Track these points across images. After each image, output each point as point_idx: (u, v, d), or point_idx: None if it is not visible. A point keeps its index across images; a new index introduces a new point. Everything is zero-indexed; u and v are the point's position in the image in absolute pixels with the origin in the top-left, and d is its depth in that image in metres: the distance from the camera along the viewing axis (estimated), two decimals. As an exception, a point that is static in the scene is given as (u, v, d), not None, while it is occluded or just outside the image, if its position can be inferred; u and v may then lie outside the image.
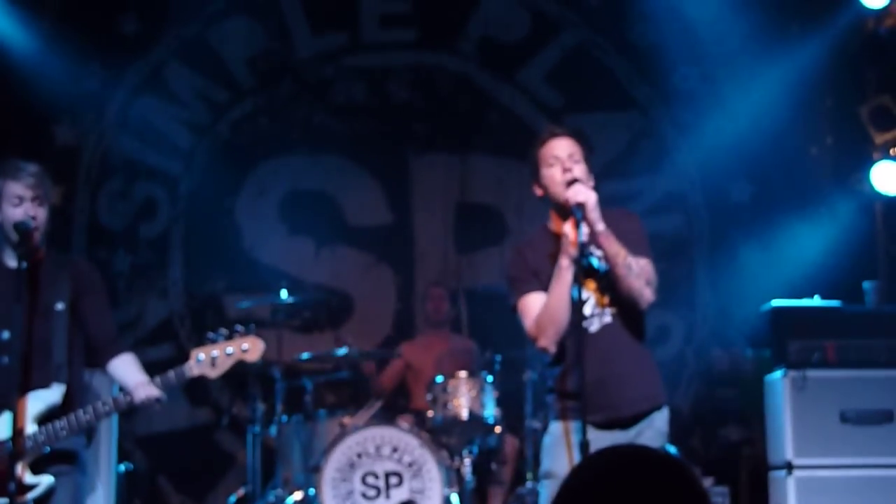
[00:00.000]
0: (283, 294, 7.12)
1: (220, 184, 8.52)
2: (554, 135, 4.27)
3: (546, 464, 4.26)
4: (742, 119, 8.31)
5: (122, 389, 4.44)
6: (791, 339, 6.52)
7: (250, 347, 4.38)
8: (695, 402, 8.40)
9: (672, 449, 6.97)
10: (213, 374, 4.35)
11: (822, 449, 6.20)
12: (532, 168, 4.29)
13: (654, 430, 4.23)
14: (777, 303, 6.71)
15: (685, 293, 8.50)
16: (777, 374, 6.50)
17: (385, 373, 7.82)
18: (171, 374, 4.35)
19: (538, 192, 4.30)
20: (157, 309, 8.44)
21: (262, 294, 7.58)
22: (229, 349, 4.35)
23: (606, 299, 4.22)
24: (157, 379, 4.37)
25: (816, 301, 6.74)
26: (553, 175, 4.20)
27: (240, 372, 7.23)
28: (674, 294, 8.42)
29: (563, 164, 4.18)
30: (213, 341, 4.34)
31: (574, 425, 4.14)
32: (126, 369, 4.51)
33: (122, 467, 6.96)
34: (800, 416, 6.29)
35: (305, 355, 7.13)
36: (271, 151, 8.61)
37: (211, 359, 4.30)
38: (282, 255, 8.48)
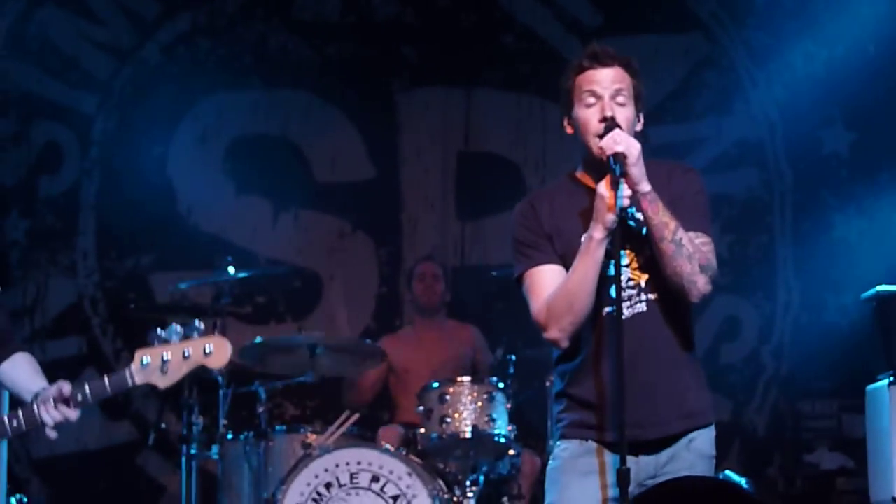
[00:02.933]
0: (230, 271, 7.10)
1: (148, 126, 8.51)
2: (596, 61, 4.21)
3: (551, 497, 4.23)
4: (839, 44, 8.28)
5: (14, 407, 4.39)
6: (902, 337, 6.50)
7: (214, 350, 4.29)
8: (773, 419, 8.43)
9: (736, 478, 6.99)
10: (163, 383, 4.22)
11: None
12: (564, 99, 4.25)
13: (694, 454, 4.16)
14: (883, 288, 6.69)
15: (761, 275, 8.51)
16: (882, 383, 6.49)
17: (362, 377, 7.81)
18: (105, 382, 4.24)
19: (569, 129, 4.26)
20: (62, 290, 8.44)
21: (202, 272, 7.56)
22: (187, 351, 4.26)
23: (645, 279, 4.17)
24: (83, 389, 4.27)
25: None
26: (588, 119, 4.16)
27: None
28: (747, 276, 8.44)
29: (604, 107, 4.14)
30: (165, 340, 4.27)
31: (592, 446, 4.12)
32: (19, 376, 4.46)
33: (14, 500, 6.95)
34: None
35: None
36: (215, 84, 8.60)
37: (161, 363, 4.23)
38: (228, 220, 8.51)
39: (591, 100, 4.16)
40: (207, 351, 4.23)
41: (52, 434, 4.21)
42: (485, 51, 8.67)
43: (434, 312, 7.91)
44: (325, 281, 8.59)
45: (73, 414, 4.20)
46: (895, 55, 8.22)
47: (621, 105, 4.15)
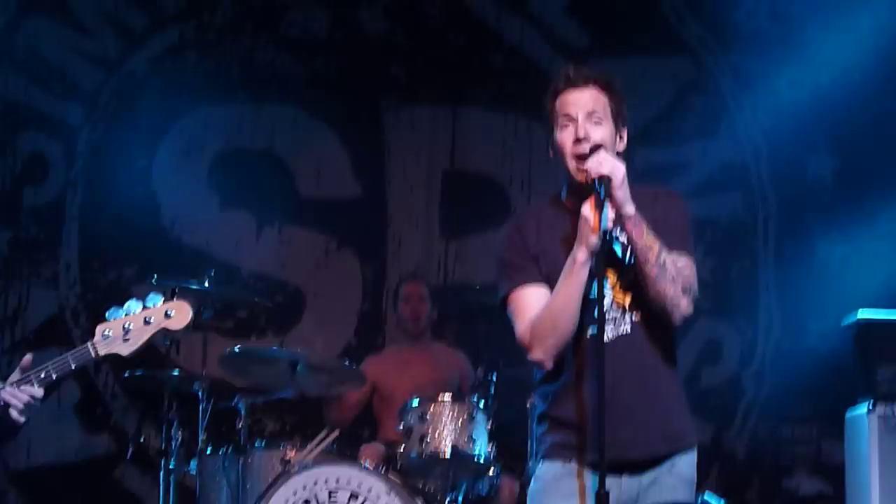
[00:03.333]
0: (210, 285, 7.08)
1: (133, 138, 8.50)
2: (570, 83, 4.21)
3: (532, 520, 4.23)
4: (824, 71, 8.30)
5: None
6: (881, 363, 6.50)
7: (176, 312, 4.32)
8: (753, 444, 8.42)
9: (715, 502, 6.98)
10: (126, 350, 4.26)
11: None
12: (547, 122, 4.25)
13: (675, 478, 4.17)
14: (864, 314, 6.70)
15: (743, 299, 8.51)
16: (861, 409, 6.49)
17: (344, 395, 7.78)
18: (68, 357, 4.25)
19: (551, 153, 4.27)
20: (43, 301, 8.41)
21: (184, 284, 7.54)
22: (148, 317, 4.29)
23: (628, 300, 4.17)
24: (46, 367, 4.25)
25: (917, 314, 6.74)
26: (564, 141, 4.16)
27: (150, 389, 7.33)
28: (729, 300, 8.44)
29: (577, 129, 4.13)
30: (126, 314, 4.28)
31: (573, 468, 4.11)
32: None
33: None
34: (891, 464, 6.28)
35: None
36: (201, 97, 8.58)
37: (123, 331, 4.24)
38: (212, 234, 8.49)
39: (566, 122, 4.16)
40: (169, 314, 4.26)
41: (19, 418, 4.20)
42: (472, 70, 8.67)
43: (420, 336, 7.89)
44: (307, 297, 8.56)
45: (37, 392, 4.20)
46: (881, 83, 8.24)
47: (597, 124, 4.14)
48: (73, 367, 4.22)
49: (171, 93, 8.53)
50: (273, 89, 8.61)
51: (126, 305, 4.26)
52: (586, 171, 4.06)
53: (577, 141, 4.12)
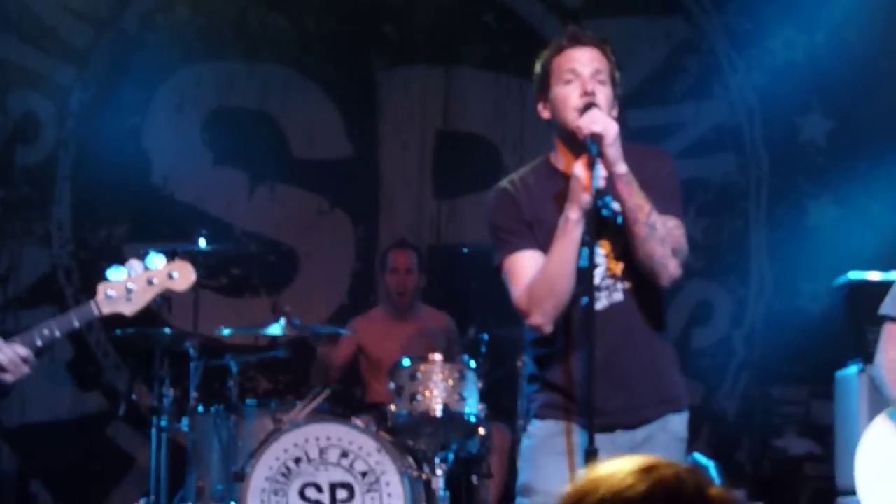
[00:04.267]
0: (202, 243, 7.06)
1: (125, 96, 8.47)
2: (576, 41, 4.22)
3: (525, 476, 4.24)
4: (821, 32, 8.28)
5: None
6: (871, 324, 6.49)
7: (179, 274, 4.34)
8: (743, 404, 8.46)
9: (705, 461, 7.01)
10: (129, 310, 4.30)
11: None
12: (540, 80, 4.25)
13: (668, 435, 4.22)
14: (855, 275, 6.70)
15: (735, 260, 8.52)
16: (851, 370, 6.50)
17: (331, 356, 7.78)
18: (71, 315, 4.27)
19: (544, 113, 4.25)
20: (36, 260, 8.41)
21: (176, 242, 7.53)
22: (151, 278, 4.30)
23: (620, 268, 4.17)
24: (49, 324, 4.25)
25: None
26: (567, 95, 4.15)
27: (142, 347, 7.34)
28: (720, 260, 8.45)
29: (584, 83, 4.13)
30: (128, 274, 4.29)
31: (565, 426, 4.13)
32: None
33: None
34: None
35: (227, 331, 7.10)
36: (193, 55, 8.57)
37: (126, 291, 4.25)
38: (204, 192, 8.48)
39: (571, 77, 4.15)
40: (172, 276, 4.28)
41: (7, 378, 4.20)
42: (465, 30, 8.65)
43: (406, 309, 7.86)
44: (300, 257, 8.56)
45: (23, 350, 4.20)
46: (875, 43, 8.23)
47: (601, 83, 4.15)
48: (76, 325, 4.26)
49: (162, 50, 8.51)
50: (265, 48, 8.60)
51: (127, 265, 4.26)
52: (583, 129, 4.06)
53: (585, 94, 4.11)
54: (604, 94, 4.14)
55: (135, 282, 4.26)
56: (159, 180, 8.48)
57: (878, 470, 5.11)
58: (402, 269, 7.82)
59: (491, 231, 4.29)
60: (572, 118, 4.12)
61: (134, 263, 4.29)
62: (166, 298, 5.87)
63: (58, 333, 4.25)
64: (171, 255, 4.37)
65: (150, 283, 4.27)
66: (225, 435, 6.85)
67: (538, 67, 4.27)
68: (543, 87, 4.24)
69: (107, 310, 4.25)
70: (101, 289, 4.25)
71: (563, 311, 4.11)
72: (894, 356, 5.20)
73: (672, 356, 4.30)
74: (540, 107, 4.26)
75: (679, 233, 4.17)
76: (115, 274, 4.27)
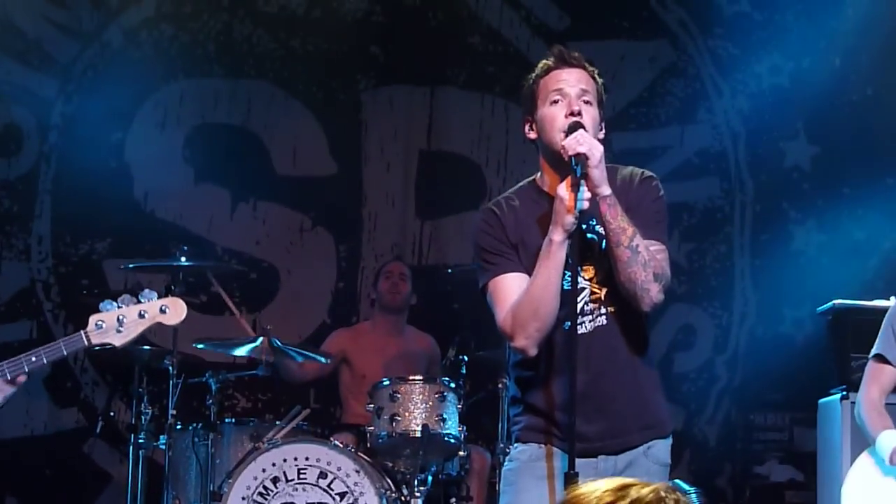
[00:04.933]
0: (183, 260, 7.03)
1: (108, 111, 8.42)
2: (563, 61, 4.20)
3: (506, 499, 4.22)
4: (806, 58, 8.29)
5: None
6: (855, 351, 6.48)
7: (170, 308, 4.35)
8: (725, 430, 8.44)
9: (686, 488, 6.97)
10: (119, 341, 4.34)
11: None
12: (526, 101, 4.22)
13: (650, 461, 4.18)
14: (839, 302, 6.68)
15: (719, 285, 8.52)
16: (835, 397, 6.47)
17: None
18: (61, 344, 4.29)
19: (530, 134, 4.23)
20: (14, 274, 8.36)
21: (157, 260, 7.50)
22: (143, 311, 4.31)
23: (605, 292, 4.15)
24: (37, 352, 4.27)
25: (892, 303, 6.70)
26: (554, 116, 4.12)
27: (121, 363, 7.28)
28: (704, 285, 8.45)
29: (571, 103, 4.10)
30: (119, 307, 4.30)
31: (546, 450, 4.10)
32: None
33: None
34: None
35: (206, 346, 7.10)
36: (177, 71, 8.54)
37: (117, 322, 4.25)
38: (186, 209, 8.45)
39: (557, 97, 4.13)
40: (163, 309, 4.30)
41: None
42: (450, 51, 8.65)
43: (397, 311, 7.85)
44: (282, 274, 8.53)
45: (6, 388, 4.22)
46: (861, 69, 8.24)
47: (588, 104, 4.13)
48: (64, 354, 4.31)
49: (146, 66, 8.48)
50: (249, 65, 8.58)
51: (121, 298, 4.29)
52: (568, 150, 4.03)
53: (571, 114, 4.09)
54: (590, 115, 4.11)
55: (126, 313, 4.27)
56: (141, 196, 8.44)
57: None
58: (397, 274, 7.87)
59: (476, 253, 4.26)
60: (558, 139, 4.09)
61: (126, 298, 4.31)
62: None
63: (45, 361, 4.29)
64: (164, 291, 4.40)
65: (141, 315, 4.29)
66: (203, 453, 6.82)
67: (525, 87, 4.25)
68: (530, 107, 4.21)
69: (96, 340, 4.28)
70: (92, 319, 4.29)
71: (547, 334, 4.08)
72: (875, 395, 5.20)
73: (656, 381, 4.27)
74: (527, 128, 4.24)
75: (662, 257, 4.14)
76: (108, 306, 4.29)
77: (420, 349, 7.80)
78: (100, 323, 4.27)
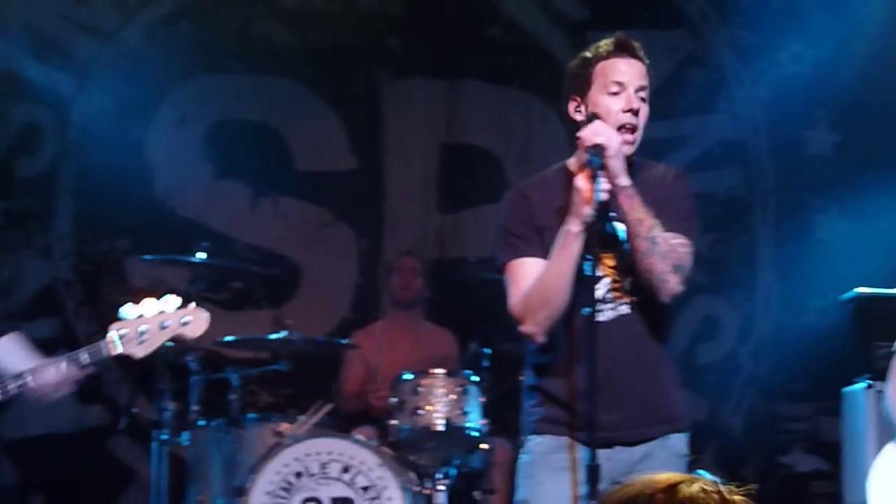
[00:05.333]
0: (204, 256, 7.05)
1: (127, 108, 8.45)
2: (626, 51, 4.18)
3: (524, 492, 4.21)
4: (827, 45, 8.26)
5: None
6: (879, 339, 6.46)
7: (192, 320, 4.33)
8: (750, 420, 8.43)
9: (709, 478, 6.95)
10: (140, 353, 4.30)
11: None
12: (578, 80, 4.17)
13: (668, 452, 4.18)
14: (862, 291, 6.66)
15: (741, 275, 8.49)
16: (859, 386, 6.46)
17: (346, 374, 7.78)
18: (84, 353, 4.28)
19: (576, 115, 4.17)
20: (37, 272, 8.39)
21: (178, 255, 7.52)
22: (164, 322, 4.29)
23: (627, 283, 4.13)
24: (63, 361, 4.28)
25: (916, 290, 6.71)
26: (609, 107, 4.10)
27: (142, 359, 7.28)
28: (726, 276, 8.42)
29: (631, 100, 4.08)
30: (140, 315, 4.28)
31: (565, 442, 4.09)
32: (12, 354, 4.48)
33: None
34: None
35: (231, 339, 7.11)
36: (196, 68, 8.56)
37: (137, 334, 4.24)
38: (206, 205, 8.47)
39: (617, 88, 4.11)
40: (184, 321, 4.27)
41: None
42: (469, 43, 8.64)
43: (409, 306, 7.86)
44: (303, 269, 8.54)
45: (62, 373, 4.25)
46: (883, 56, 8.21)
47: (643, 101, 4.14)
48: (89, 362, 4.27)
49: (165, 63, 8.50)
50: (269, 61, 8.59)
51: (141, 304, 4.25)
52: (585, 141, 4.02)
53: (628, 111, 4.07)
54: (644, 112, 4.13)
55: (147, 323, 4.24)
56: (162, 193, 8.47)
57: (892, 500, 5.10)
58: (408, 271, 7.85)
59: (501, 230, 4.26)
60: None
61: (148, 303, 4.27)
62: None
63: (65, 370, 4.30)
64: (186, 300, 4.35)
65: (162, 327, 4.25)
66: (226, 449, 6.85)
67: (577, 66, 4.19)
68: (582, 88, 4.16)
69: (117, 351, 4.25)
70: (113, 328, 4.25)
71: (557, 322, 4.10)
72: None
73: (675, 375, 4.27)
74: (572, 107, 4.19)
75: (684, 251, 4.14)
76: (129, 312, 4.26)
77: (436, 344, 7.78)
78: (122, 331, 4.25)
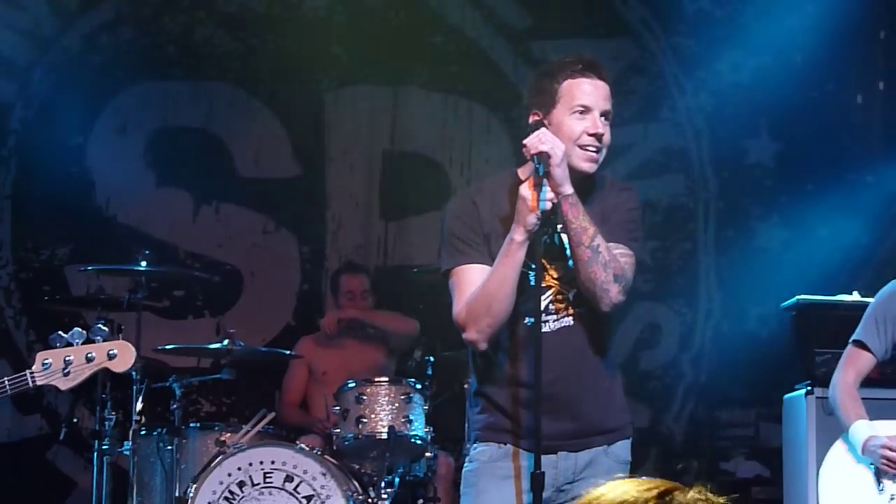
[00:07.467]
0: (145, 264, 7.00)
1: (67, 116, 8.39)
2: (593, 71, 4.15)
3: (467, 500, 4.20)
4: (766, 54, 8.32)
5: None
6: (819, 346, 6.51)
7: (119, 353, 4.28)
8: (691, 427, 8.46)
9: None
10: (64, 385, 4.25)
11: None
12: (541, 94, 4.13)
13: (611, 459, 4.19)
14: (803, 298, 6.71)
15: (683, 282, 8.54)
16: (800, 392, 6.50)
17: (289, 383, 7.75)
18: (6, 383, 4.23)
19: (546, 122, 4.13)
20: (-27, 281, 8.32)
21: (119, 264, 7.48)
22: (90, 353, 4.24)
23: (571, 295, 4.14)
24: None
25: (855, 298, 6.74)
26: (573, 128, 4.08)
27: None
28: (668, 283, 8.46)
29: (597, 124, 4.08)
30: (68, 343, 4.23)
31: (509, 450, 4.10)
32: None
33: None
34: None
35: (172, 348, 7.10)
36: (137, 74, 8.50)
37: (63, 364, 4.19)
38: (148, 213, 8.42)
39: (582, 110, 4.09)
40: (111, 354, 4.22)
41: None
42: (413, 50, 8.63)
43: (360, 329, 7.82)
44: (246, 277, 8.51)
45: None
46: (822, 65, 8.27)
47: (606, 124, 4.12)
48: (9, 394, 4.23)
49: (106, 70, 8.45)
50: (210, 67, 8.55)
51: (70, 333, 4.21)
52: (530, 149, 4.02)
53: (593, 135, 4.07)
54: (608, 136, 4.12)
55: (74, 354, 4.20)
56: (102, 201, 8.41)
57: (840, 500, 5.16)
58: (358, 294, 7.78)
59: (447, 236, 4.22)
60: (571, 152, 4.07)
61: (77, 332, 4.23)
62: (108, 321, 5.83)
63: None
64: (116, 330, 4.32)
65: (88, 359, 4.21)
66: (167, 458, 6.78)
67: (543, 79, 4.15)
68: (546, 105, 4.10)
69: (41, 381, 4.20)
70: (39, 358, 4.21)
71: (500, 330, 4.08)
72: (851, 380, 5.24)
73: (618, 383, 4.28)
74: (533, 116, 4.16)
75: (625, 261, 4.13)
76: (57, 341, 4.21)
77: (398, 329, 7.75)
78: (46, 362, 4.19)
